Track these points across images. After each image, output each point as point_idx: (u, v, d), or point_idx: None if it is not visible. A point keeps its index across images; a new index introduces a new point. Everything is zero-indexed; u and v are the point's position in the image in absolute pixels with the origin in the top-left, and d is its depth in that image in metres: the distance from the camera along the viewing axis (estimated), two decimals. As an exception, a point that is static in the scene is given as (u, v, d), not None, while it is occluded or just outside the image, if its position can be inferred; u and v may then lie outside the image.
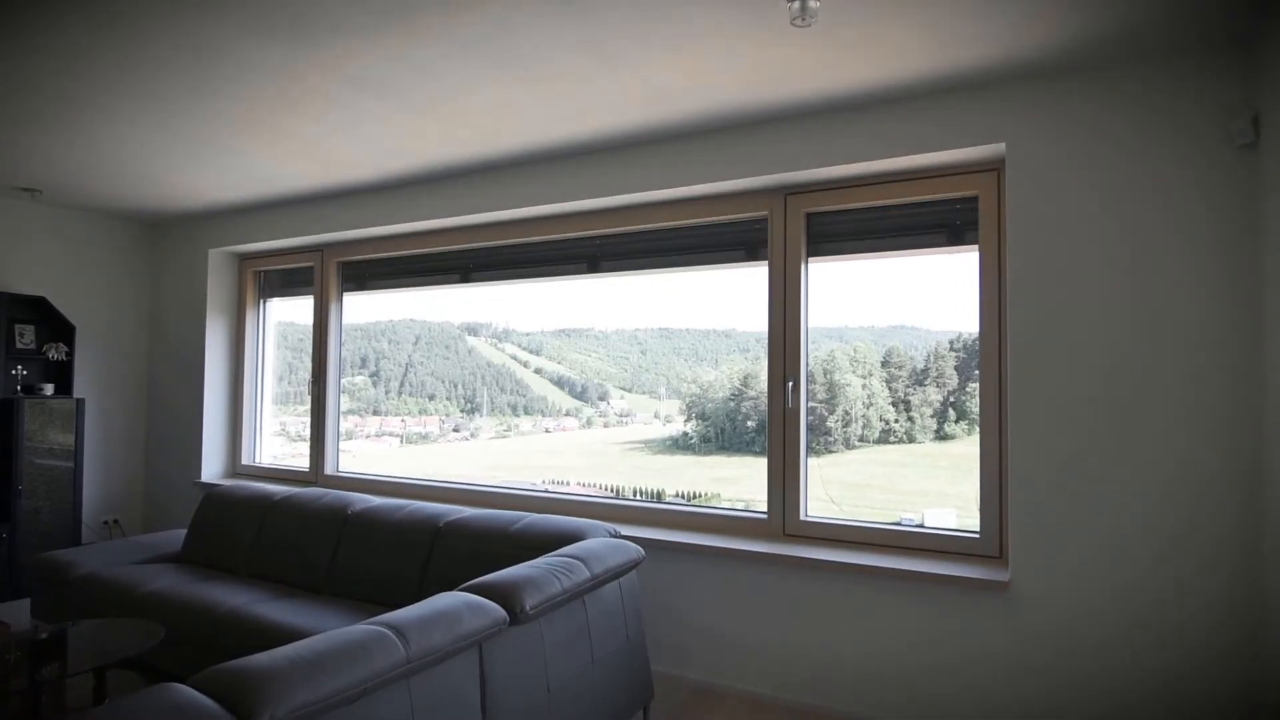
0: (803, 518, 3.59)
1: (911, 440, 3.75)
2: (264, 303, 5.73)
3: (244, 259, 5.70)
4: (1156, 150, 2.77)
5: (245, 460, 5.65)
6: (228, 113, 3.43)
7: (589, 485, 4.60)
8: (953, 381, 3.68)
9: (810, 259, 3.63)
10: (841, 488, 3.68)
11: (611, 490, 4.47)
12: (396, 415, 5.47)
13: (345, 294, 5.26)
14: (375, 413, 5.54)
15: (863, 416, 3.81)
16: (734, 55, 2.79)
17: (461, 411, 5.35)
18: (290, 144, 3.84)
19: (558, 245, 4.33)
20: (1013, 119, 2.98)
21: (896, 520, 3.54)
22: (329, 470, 5.19)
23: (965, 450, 3.46)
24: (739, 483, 4.07)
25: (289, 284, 5.60)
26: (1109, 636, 2.82)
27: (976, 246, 3.25)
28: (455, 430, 5.33)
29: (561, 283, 4.47)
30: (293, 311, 5.76)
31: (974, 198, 3.26)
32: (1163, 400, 2.75)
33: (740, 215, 3.76)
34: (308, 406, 5.32)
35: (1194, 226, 2.71)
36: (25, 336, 5.11)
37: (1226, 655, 2.66)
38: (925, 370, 3.77)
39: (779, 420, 3.63)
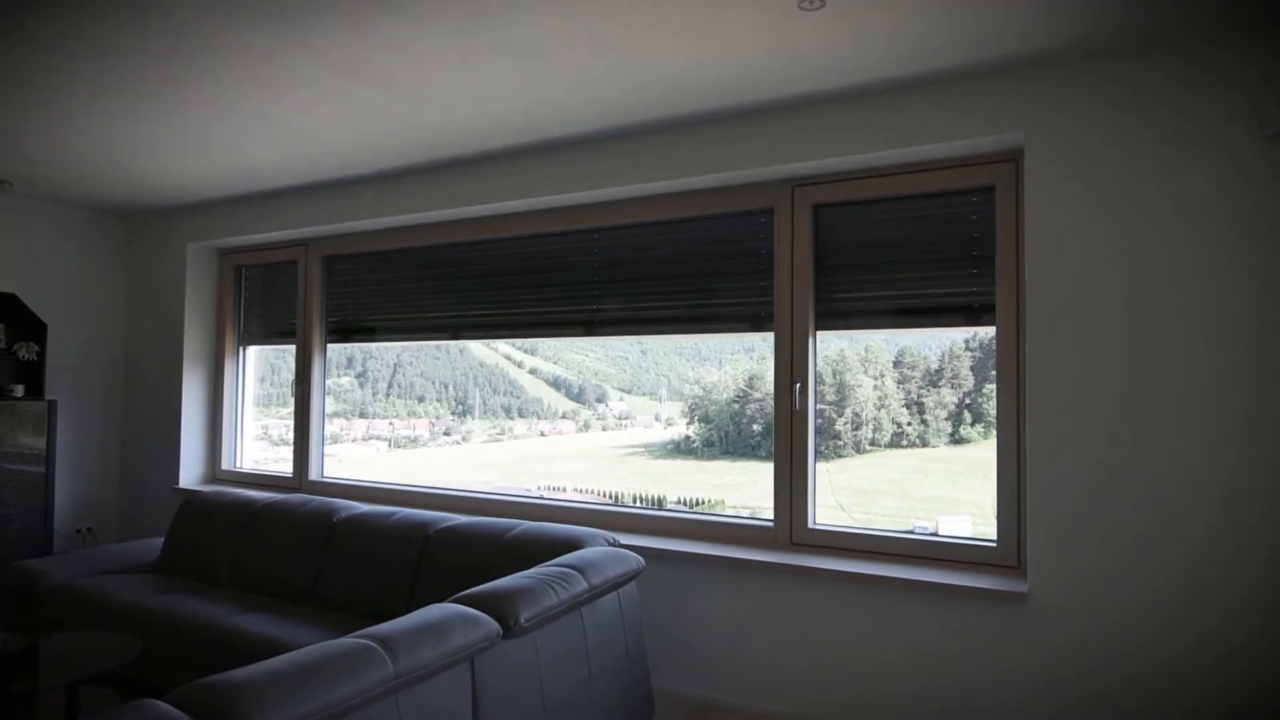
0: (811, 526, 3.48)
1: (925, 444, 3.65)
2: (243, 300, 5.59)
3: (224, 253, 5.55)
4: (1183, 139, 2.68)
5: (225, 465, 5.50)
6: (207, 100, 3.31)
7: (586, 491, 4.50)
8: (968, 382, 3.58)
9: (819, 331, 3.53)
10: (851, 494, 3.59)
11: (610, 496, 4.37)
12: (384, 418, 5.36)
13: (329, 344, 5.09)
14: (362, 415, 5.42)
15: (874, 419, 3.71)
16: (739, 40, 2.69)
17: (452, 414, 5.23)
18: (273, 133, 3.72)
19: (554, 241, 4.22)
20: (1032, 107, 2.90)
21: (909, 528, 3.45)
22: (314, 475, 5.06)
23: (982, 455, 3.36)
24: (744, 489, 3.98)
25: (268, 330, 5.39)
26: (1133, 650, 2.71)
27: (994, 327, 3.16)
28: (446, 434, 5.22)
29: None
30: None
31: (990, 187, 3.17)
32: (1192, 401, 2.65)
33: (745, 207, 3.65)
34: (291, 409, 5.17)
35: (1221, 217, 2.62)
36: (-5, 335, 4.96)
37: (1259, 667, 2.55)
38: (940, 370, 3.68)
39: (786, 423, 3.52)
